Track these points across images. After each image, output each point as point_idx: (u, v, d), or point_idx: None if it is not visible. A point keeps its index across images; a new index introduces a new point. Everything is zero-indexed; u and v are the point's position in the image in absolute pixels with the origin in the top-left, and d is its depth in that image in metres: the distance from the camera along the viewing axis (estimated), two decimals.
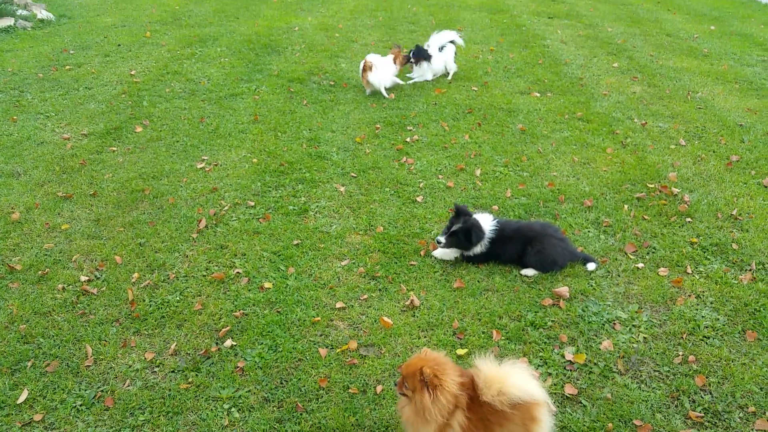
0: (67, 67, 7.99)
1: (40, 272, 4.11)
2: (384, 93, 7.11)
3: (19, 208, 4.85)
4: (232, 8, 11.25)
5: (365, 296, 3.91)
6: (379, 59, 6.99)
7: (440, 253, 4.26)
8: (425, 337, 3.57)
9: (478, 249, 4.10)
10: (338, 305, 3.83)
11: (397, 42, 8.92)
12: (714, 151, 5.79)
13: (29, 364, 3.39)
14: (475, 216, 4.14)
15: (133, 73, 7.80)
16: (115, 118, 6.49)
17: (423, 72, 7.59)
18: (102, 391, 3.23)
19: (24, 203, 4.92)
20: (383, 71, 7.01)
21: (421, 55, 7.42)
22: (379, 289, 3.98)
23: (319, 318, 3.72)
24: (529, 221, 4.50)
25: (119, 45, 8.95)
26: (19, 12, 10.02)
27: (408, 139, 6.04)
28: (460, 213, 4.15)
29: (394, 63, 7.14)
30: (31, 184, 5.22)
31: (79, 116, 6.54)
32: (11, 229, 4.58)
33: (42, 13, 10.28)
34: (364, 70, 6.92)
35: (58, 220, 4.72)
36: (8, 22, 9.56)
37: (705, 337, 3.56)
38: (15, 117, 6.46)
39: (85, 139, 6.03)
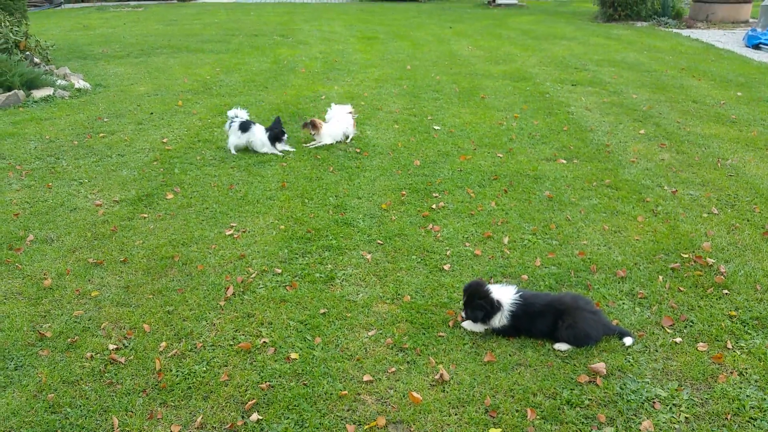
0: (101, 134, 8.22)
1: (69, 340, 4.11)
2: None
3: (51, 274, 4.90)
4: (261, 78, 11.58)
5: (393, 369, 3.83)
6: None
7: (469, 324, 4.18)
8: (456, 414, 3.46)
9: (497, 322, 4.02)
10: (365, 378, 3.74)
11: (421, 109, 9.07)
12: (748, 220, 5.69)
13: None
14: (496, 287, 4.08)
15: (165, 140, 7.99)
16: (147, 185, 6.61)
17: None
18: None
19: (56, 269, 4.97)
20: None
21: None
22: (407, 362, 3.90)
23: (346, 392, 3.63)
24: (558, 293, 4.40)
25: (152, 113, 9.21)
26: (59, 82, 10.42)
27: (434, 206, 6.04)
28: (477, 285, 4.11)
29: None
30: (63, 250, 5.28)
31: (112, 183, 6.67)
32: (43, 296, 4.62)
33: (79, 83, 10.68)
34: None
35: (88, 286, 4.75)
36: (48, 91, 9.94)
37: (751, 418, 3.39)
38: (50, 184, 6.61)
39: (117, 205, 6.13)
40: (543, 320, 3.97)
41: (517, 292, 4.05)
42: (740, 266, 4.90)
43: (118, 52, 14.12)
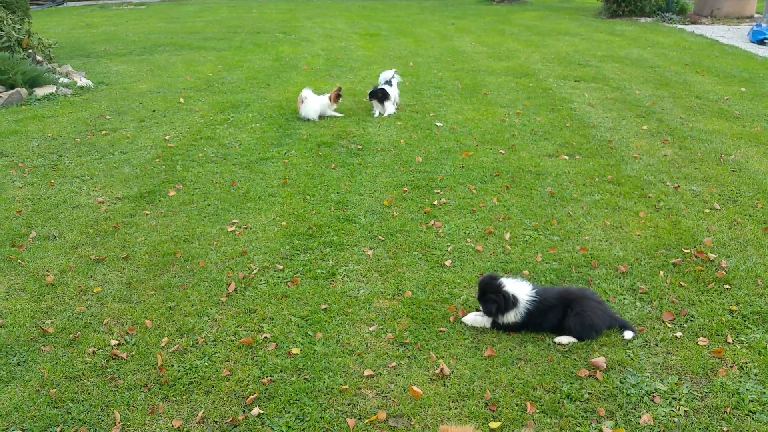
0: (104, 132, 8.24)
1: (71, 335, 4.13)
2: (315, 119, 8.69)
3: (53, 270, 4.92)
4: (263, 76, 11.59)
5: (394, 363, 3.84)
6: (312, 94, 8.63)
7: (470, 320, 4.19)
8: (456, 408, 3.47)
9: (511, 318, 4.02)
10: (366, 373, 3.76)
11: (423, 105, 9.04)
12: (750, 215, 5.68)
13: (58, 429, 3.36)
14: (508, 281, 4.08)
15: (167, 138, 8.01)
16: (149, 182, 6.63)
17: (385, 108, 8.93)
18: None
19: (58, 266, 5.00)
20: (314, 104, 8.64)
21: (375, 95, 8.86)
22: (408, 356, 3.91)
23: (347, 386, 3.65)
24: (564, 286, 4.41)
25: (154, 110, 9.23)
26: (61, 80, 10.44)
27: (435, 202, 6.04)
28: (491, 279, 4.10)
29: (330, 100, 8.74)
30: (66, 246, 5.30)
31: (114, 180, 6.69)
32: (45, 292, 4.64)
33: (82, 81, 10.70)
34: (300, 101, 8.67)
35: (90, 283, 4.77)
36: (50, 89, 9.96)
37: (750, 411, 3.40)
38: (53, 181, 6.64)
39: (119, 202, 6.16)
40: (554, 313, 3.98)
41: (533, 288, 4.05)
42: (741, 261, 4.89)
43: (120, 50, 14.15)
